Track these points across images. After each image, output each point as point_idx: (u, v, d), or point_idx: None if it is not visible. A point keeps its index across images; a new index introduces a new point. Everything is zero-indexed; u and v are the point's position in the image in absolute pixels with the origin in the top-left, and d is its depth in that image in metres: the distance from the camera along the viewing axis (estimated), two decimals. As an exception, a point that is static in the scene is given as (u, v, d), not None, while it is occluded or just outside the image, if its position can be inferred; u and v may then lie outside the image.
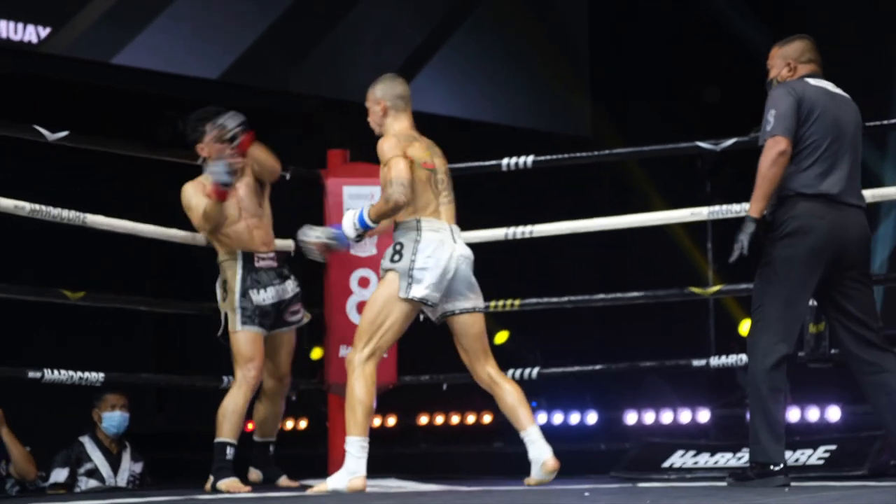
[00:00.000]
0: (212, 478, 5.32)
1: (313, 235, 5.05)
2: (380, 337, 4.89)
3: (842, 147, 4.70)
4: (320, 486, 4.92)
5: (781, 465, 4.58)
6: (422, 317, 5.11)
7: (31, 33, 8.12)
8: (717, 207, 5.79)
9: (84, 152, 5.76)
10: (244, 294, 5.38)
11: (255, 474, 5.66)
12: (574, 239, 6.28)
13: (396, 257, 4.89)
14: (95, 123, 5.43)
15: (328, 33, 9.28)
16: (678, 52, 9.59)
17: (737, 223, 6.15)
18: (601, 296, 6.20)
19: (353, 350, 4.92)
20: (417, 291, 4.87)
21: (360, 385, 4.83)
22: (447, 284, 4.92)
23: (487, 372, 5.05)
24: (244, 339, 5.37)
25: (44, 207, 5.31)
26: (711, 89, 9.29)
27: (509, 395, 5.01)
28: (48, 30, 8.16)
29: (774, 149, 4.59)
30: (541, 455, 4.97)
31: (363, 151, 6.79)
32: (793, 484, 4.60)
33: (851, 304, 4.69)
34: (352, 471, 4.78)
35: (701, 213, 5.87)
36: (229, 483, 5.22)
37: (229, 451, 5.31)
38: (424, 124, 9.50)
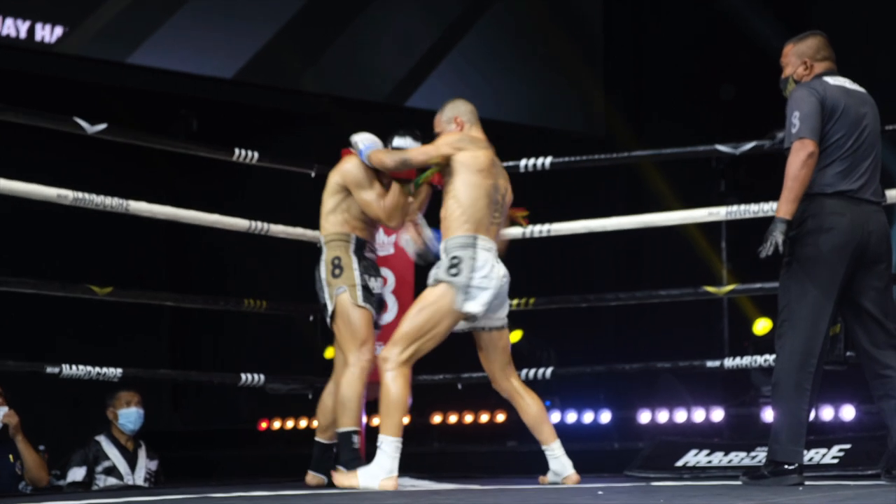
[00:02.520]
0: (342, 469, 5.17)
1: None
2: (423, 343, 4.94)
3: (862, 145, 4.69)
4: (349, 479, 4.88)
5: (796, 465, 4.58)
6: None
7: (47, 33, 8.15)
8: (734, 208, 5.78)
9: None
10: (361, 273, 5.27)
11: (315, 479, 5.44)
12: (589, 237, 6.28)
13: (454, 271, 4.93)
14: (110, 123, 5.41)
15: (341, 33, 9.30)
16: (694, 51, 9.58)
17: (753, 223, 6.17)
18: (616, 295, 6.20)
19: (389, 348, 4.94)
20: (472, 307, 4.93)
21: (398, 385, 4.88)
22: (493, 303, 5.00)
23: (511, 382, 5.16)
24: (363, 317, 5.21)
25: (87, 195, 5.25)
26: (727, 88, 9.28)
27: (531, 408, 5.14)
28: (64, 29, 8.20)
29: (803, 151, 4.57)
30: (564, 470, 5.11)
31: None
32: (807, 483, 4.60)
33: (870, 303, 4.68)
34: (386, 469, 4.81)
35: (719, 213, 5.85)
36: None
37: (356, 440, 5.20)
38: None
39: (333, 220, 5.32)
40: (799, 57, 4.79)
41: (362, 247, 5.32)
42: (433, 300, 4.94)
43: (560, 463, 5.10)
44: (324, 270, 5.27)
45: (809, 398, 4.60)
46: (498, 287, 4.97)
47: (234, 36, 8.85)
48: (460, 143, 5.05)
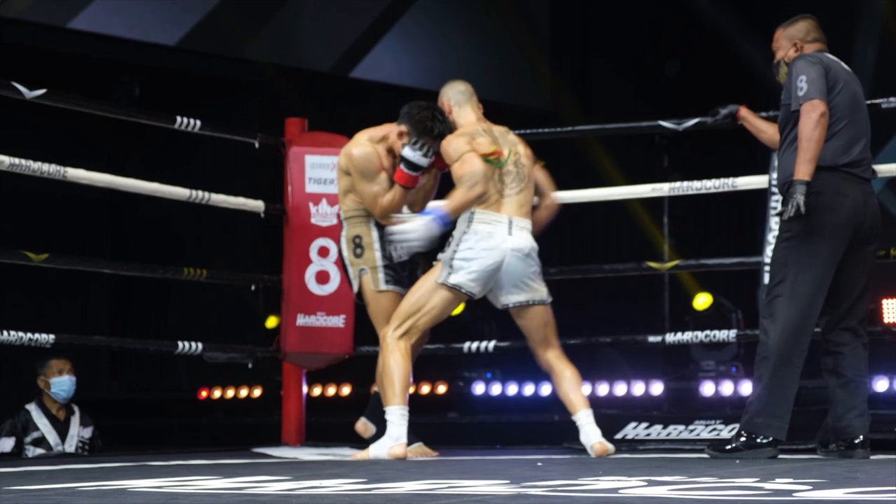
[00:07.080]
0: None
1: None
2: (417, 318, 4.97)
3: (859, 121, 4.70)
4: (362, 454, 4.95)
5: (772, 438, 4.58)
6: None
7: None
8: (677, 184, 5.80)
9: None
10: (384, 251, 5.24)
11: (363, 425, 5.40)
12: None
13: (446, 247, 4.98)
14: (51, 89, 5.34)
15: (287, 1, 9.23)
16: (641, 27, 9.60)
17: (696, 200, 6.20)
18: (559, 268, 6.22)
19: (387, 328, 5.00)
20: (452, 279, 4.93)
21: (395, 358, 4.93)
22: (492, 276, 4.97)
23: (546, 357, 5.14)
24: (388, 299, 5.19)
25: (23, 161, 5.15)
26: (672, 64, 9.31)
27: (565, 381, 5.11)
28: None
29: (814, 112, 4.54)
30: (588, 439, 5.05)
31: (321, 120, 6.78)
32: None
33: (852, 282, 4.68)
34: (394, 437, 4.85)
35: (662, 188, 5.87)
36: (415, 449, 5.18)
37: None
38: (383, 94, 9.50)
39: (352, 197, 5.27)
40: (790, 40, 4.79)
41: None
42: (427, 278, 5.00)
43: (584, 433, 5.05)
44: (345, 249, 5.28)
45: (799, 374, 4.60)
46: (488, 258, 4.93)
47: (179, 3, 8.77)
48: (466, 140, 5.02)
